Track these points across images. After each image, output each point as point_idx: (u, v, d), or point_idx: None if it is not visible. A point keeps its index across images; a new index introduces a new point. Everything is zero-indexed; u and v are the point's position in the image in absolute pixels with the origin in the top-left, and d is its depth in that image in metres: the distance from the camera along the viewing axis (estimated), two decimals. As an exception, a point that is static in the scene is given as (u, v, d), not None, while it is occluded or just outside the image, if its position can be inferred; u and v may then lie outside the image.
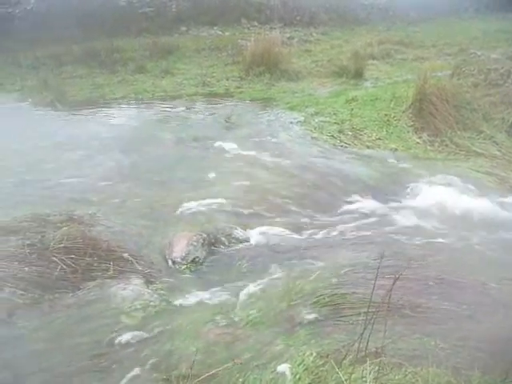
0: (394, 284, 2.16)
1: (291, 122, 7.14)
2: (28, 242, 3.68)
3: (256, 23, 14.20)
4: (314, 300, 3.24)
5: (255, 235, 4.15)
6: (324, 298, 3.24)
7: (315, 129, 6.85)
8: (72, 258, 3.56)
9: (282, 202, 4.77)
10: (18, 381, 2.70)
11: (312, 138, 6.59)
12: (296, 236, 4.19)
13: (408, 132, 6.51)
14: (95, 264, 3.59)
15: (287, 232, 4.22)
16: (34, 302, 3.24)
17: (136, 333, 3.02)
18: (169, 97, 8.51)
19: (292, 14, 15.05)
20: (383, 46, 11.83)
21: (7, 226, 3.96)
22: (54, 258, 3.53)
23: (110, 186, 5.10)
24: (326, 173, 5.47)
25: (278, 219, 4.46)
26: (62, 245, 3.62)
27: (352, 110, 7.26)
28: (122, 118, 7.41)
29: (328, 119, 7.11)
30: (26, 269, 3.45)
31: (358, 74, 9.38)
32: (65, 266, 3.49)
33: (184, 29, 13.35)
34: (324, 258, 3.79)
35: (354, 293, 3.28)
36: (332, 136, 6.59)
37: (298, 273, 3.62)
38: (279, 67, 9.64)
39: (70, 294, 3.35)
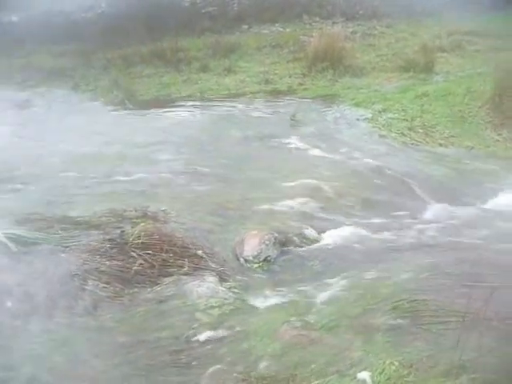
0: (491, 294, 2.03)
1: (358, 119, 6.98)
2: (108, 236, 3.84)
3: (318, 18, 13.99)
4: (392, 305, 3.13)
5: (327, 236, 4.08)
6: (403, 304, 3.11)
7: (383, 126, 6.65)
8: (149, 253, 3.66)
9: (352, 202, 4.67)
10: (103, 373, 2.82)
11: (380, 135, 6.40)
12: (370, 238, 4.07)
13: (486, 129, 6.15)
14: (171, 260, 3.67)
15: (360, 233, 4.11)
16: (115, 295, 3.36)
17: (213, 330, 3.06)
18: (232, 95, 8.59)
19: (354, 7, 14.70)
20: (453, 38, 11.24)
21: (89, 221, 4.16)
22: (133, 253, 3.65)
23: (180, 182, 5.22)
24: (397, 172, 5.29)
25: (349, 220, 4.37)
26: (140, 240, 3.74)
27: (422, 105, 6.97)
28: (188, 116, 7.58)
29: (396, 116, 6.87)
30: (108, 263, 3.59)
31: (427, 68, 8.97)
32: (143, 262, 3.60)
33: (245, 27, 13.41)
34: (400, 261, 3.66)
35: (434, 300, 3.13)
36: (401, 133, 6.37)
37: (374, 276, 3.52)
38: (343, 63, 9.44)
39: (149, 289, 3.45)
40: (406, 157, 5.74)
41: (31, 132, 7.00)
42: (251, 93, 8.62)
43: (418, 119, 6.64)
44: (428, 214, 4.47)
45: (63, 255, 3.69)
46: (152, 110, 7.94)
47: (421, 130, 6.39)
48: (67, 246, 3.80)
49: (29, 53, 11.26)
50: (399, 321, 3.01)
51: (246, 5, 14.02)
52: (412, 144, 6.10)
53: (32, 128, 7.21)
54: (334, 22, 13.55)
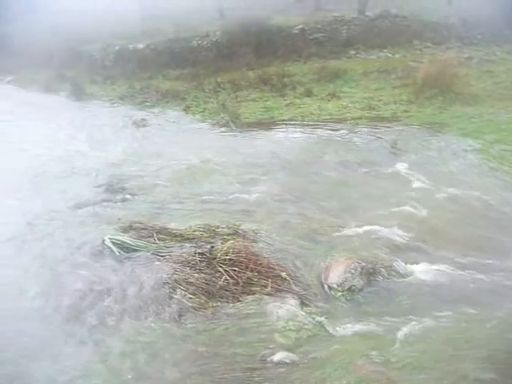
0: None
1: (465, 150, 6.55)
2: (199, 250, 4.04)
3: (430, 44, 13.48)
4: (486, 354, 2.85)
5: (418, 270, 3.86)
6: (499, 355, 2.83)
7: (494, 158, 6.15)
8: (235, 270, 3.78)
9: (450, 237, 4.37)
10: (179, 380, 2.95)
11: (490, 168, 5.93)
12: (466, 277, 3.77)
13: None
14: (255, 279, 3.75)
15: (455, 271, 3.83)
16: (200, 306, 3.52)
17: (288, 353, 3.05)
18: (334, 120, 8.58)
19: (472, 31, 13.90)
20: None
21: (183, 234, 4.42)
22: (220, 269, 3.80)
23: (273, 203, 5.32)
24: (505, 209, 4.84)
25: (444, 255, 4.09)
26: (228, 257, 3.88)
27: (543, 138, 6.33)
28: (288, 139, 7.73)
29: (511, 148, 6.32)
30: (196, 275, 3.79)
31: (552, 98, 8.15)
32: (228, 278, 3.73)
33: (353, 52, 13.39)
34: (500, 306, 3.33)
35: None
36: (515, 167, 5.83)
37: (467, 319, 3.24)
38: (454, 90, 8.94)
39: (231, 305, 3.55)
40: (518, 193, 5.24)
41: (143, 148, 7.67)
42: (353, 118, 8.53)
43: (537, 153, 6.03)
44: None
45: (157, 263, 3.98)
46: (254, 133, 8.24)
47: (539, 165, 5.79)
48: (162, 256, 4.08)
49: (149, 76, 12.42)
50: (492, 373, 2.73)
51: (355, 31, 14.01)
52: (527, 179, 5.55)
53: (144, 145, 7.90)
54: (447, 48, 12.96)
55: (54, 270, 4.12)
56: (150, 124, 9.19)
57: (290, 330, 3.25)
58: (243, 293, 3.66)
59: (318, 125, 8.39)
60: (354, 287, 3.73)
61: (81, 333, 3.39)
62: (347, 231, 4.59)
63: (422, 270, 3.86)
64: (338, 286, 3.76)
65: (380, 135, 7.47)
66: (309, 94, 10.27)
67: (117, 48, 13.66)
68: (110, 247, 4.23)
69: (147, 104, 10.62)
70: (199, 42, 13.14)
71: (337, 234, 4.58)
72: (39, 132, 8.94)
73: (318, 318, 3.40)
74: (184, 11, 15.44)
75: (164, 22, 14.71)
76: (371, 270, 3.87)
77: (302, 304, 3.57)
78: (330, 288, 3.78)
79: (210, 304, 3.54)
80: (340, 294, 3.71)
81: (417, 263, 3.95)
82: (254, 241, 4.36)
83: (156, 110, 10.17)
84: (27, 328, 3.46)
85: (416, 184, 5.61)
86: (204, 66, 12.37)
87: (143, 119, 9.40)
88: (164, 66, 12.80)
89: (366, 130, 7.86)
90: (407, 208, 4.98)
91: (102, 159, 7.18)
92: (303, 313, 3.45)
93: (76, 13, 16.76)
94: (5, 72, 15.07)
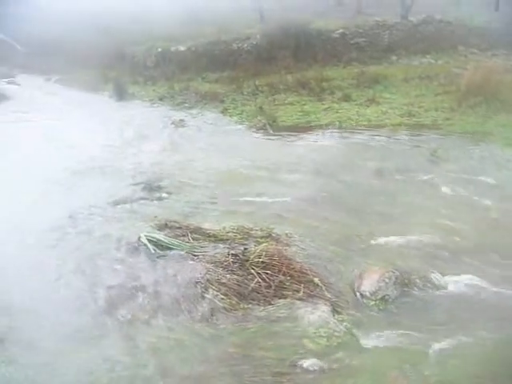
0: None
1: (509, 161, 6.32)
2: (232, 251, 4.07)
3: (475, 50, 13.08)
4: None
5: (455, 283, 3.75)
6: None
7: (540, 170, 5.90)
8: (267, 273, 3.79)
9: (489, 251, 4.22)
10: (208, 379, 2.98)
11: (535, 180, 5.69)
12: (504, 292, 3.63)
13: None
14: (287, 283, 3.75)
15: (494, 286, 3.69)
16: (231, 307, 3.55)
17: (318, 360, 3.03)
18: (372, 126, 8.46)
19: (521, 38, 13.41)
20: None
21: (217, 234, 4.47)
22: (252, 271, 3.82)
23: (307, 208, 5.30)
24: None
25: (483, 269, 3.95)
26: (261, 259, 3.89)
27: None
28: (325, 144, 7.68)
29: (559, 160, 6.06)
30: (228, 276, 3.82)
31: None
32: (260, 280, 3.74)
33: (394, 58, 13.16)
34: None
35: None
36: None
37: (504, 336, 3.12)
38: (499, 98, 8.63)
39: (262, 308, 3.56)
40: None
41: (181, 148, 7.80)
42: (392, 125, 8.39)
43: None
44: None
45: (191, 262, 4.04)
46: (291, 136, 8.23)
47: None
48: (196, 255, 4.14)
49: (189, 78, 12.61)
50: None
51: (397, 36, 13.77)
52: None
53: (182, 145, 8.03)
54: (493, 54, 12.54)
55: (92, 263, 4.25)
56: (188, 125, 9.33)
57: (320, 336, 3.22)
58: (275, 296, 3.66)
59: (355, 130, 8.30)
60: (387, 297, 3.66)
61: (114, 326, 3.48)
62: (381, 239, 4.52)
63: (459, 283, 3.75)
64: (371, 294, 3.70)
65: (419, 143, 7.32)
66: (347, 99, 10.16)
67: (159, 50, 13.95)
68: (145, 244, 4.32)
69: (186, 105, 10.79)
70: (239, 44, 13.24)
71: (371, 241, 4.51)
72: (81, 130, 9.24)
73: (350, 326, 3.36)
74: (226, 14, 15.63)
75: (206, 25, 14.93)
76: (406, 281, 3.80)
77: (334, 311, 3.54)
78: (363, 296, 3.72)
79: (242, 306, 3.56)
80: (373, 302, 3.65)
81: (454, 275, 3.84)
82: (287, 244, 4.36)
83: (194, 111, 10.32)
84: (63, 317, 3.58)
85: (455, 194, 5.45)
86: (243, 69, 12.45)
87: (182, 120, 9.55)
88: (204, 68, 12.97)
89: (404, 137, 7.72)
90: (445, 218, 4.85)
91: (140, 158, 7.35)
92: (334, 320, 3.41)
93: (123, 15, 17.30)
94: (53, 72, 15.68)
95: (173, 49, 13.70)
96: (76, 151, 7.78)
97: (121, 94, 12.09)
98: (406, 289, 3.73)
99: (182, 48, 13.59)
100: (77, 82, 14.24)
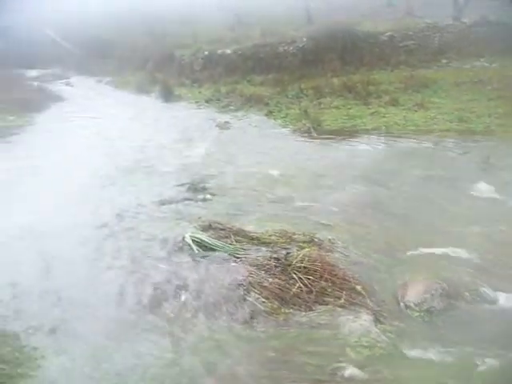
0: None
1: None
2: (275, 255, 4.08)
3: (535, 53, 12.47)
4: None
5: (507, 298, 3.59)
6: None
7: None
8: (309, 279, 3.77)
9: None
10: (249, 381, 3.00)
11: None
12: None
13: None
14: (329, 289, 3.72)
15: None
16: (272, 311, 3.56)
17: (359, 370, 2.98)
18: (420, 131, 8.24)
19: None
20: None
21: (260, 237, 4.50)
22: (294, 276, 3.81)
23: (351, 214, 5.23)
24: None
25: (538, 285, 3.76)
26: (303, 264, 3.88)
27: None
28: (370, 149, 7.56)
29: None
30: (270, 279, 3.83)
31: None
32: (302, 285, 3.73)
33: (444, 61, 12.76)
34: None
35: None
36: None
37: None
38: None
39: (303, 313, 3.55)
40: None
41: (225, 150, 7.90)
42: (441, 131, 8.14)
43: None
44: None
45: (233, 264, 4.08)
46: (336, 141, 8.15)
47: None
48: (238, 257, 4.18)
49: (235, 81, 12.74)
50: None
51: (448, 38, 13.33)
52: None
53: (226, 147, 8.13)
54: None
55: (138, 261, 4.38)
56: (233, 127, 9.44)
57: (362, 345, 3.18)
58: (316, 302, 3.64)
59: (402, 135, 8.12)
60: (432, 309, 3.56)
61: (158, 323, 3.58)
62: (427, 249, 4.39)
63: (511, 299, 3.58)
64: (415, 305, 3.60)
65: (469, 150, 7.07)
66: (394, 103, 9.95)
67: (206, 53, 14.17)
68: (189, 244, 4.41)
69: (231, 107, 10.92)
70: (285, 47, 13.24)
71: (415, 251, 4.39)
72: (128, 130, 9.56)
73: (393, 337, 3.29)
74: (272, 17, 15.70)
75: (252, 28, 15.05)
76: (453, 293, 3.67)
77: (376, 320, 3.48)
78: (407, 307, 3.63)
79: (283, 310, 3.57)
80: (417, 314, 3.55)
81: (505, 291, 3.67)
82: (330, 250, 4.33)
83: (239, 113, 10.42)
84: (110, 312, 3.71)
85: (508, 205, 5.22)
86: (288, 72, 12.44)
87: (226, 122, 9.67)
88: (249, 71, 13.06)
89: (454, 143, 7.47)
90: (496, 231, 4.65)
91: (185, 159, 7.51)
92: (377, 329, 3.35)
93: (173, 17, 17.77)
94: (104, 74, 16.31)
95: (219, 52, 13.88)
96: (124, 150, 8.06)
97: (167, 96, 12.39)
98: (453, 302, 3.61)
99: (228, 51, 13.75)
100: (126, 83, 14.74)
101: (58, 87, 15.06)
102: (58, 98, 13.16)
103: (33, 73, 17.46)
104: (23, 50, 18.08)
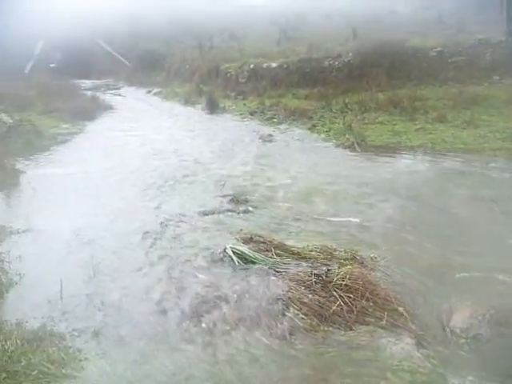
0: None
1: None
2: (315, 271, 4.04)
3: None
4: None
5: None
6: None
7: None
8: (350, 297, 3.70)
9: None
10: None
11: None
12: None
13: None
14: (370, 309, 3.64)
15: None
16: (311, 328, 3.51)
17: (400, 396, 2.89)
18: (468, 149, 8.00)
19: None
20: None
21: (300, 252, 4.47)
22: (335, 293, 3.75)
23: (394, 233, 5.13)
24: None
25: None
26: (344, 282, 3.82)
27: None
28: (416, 166, 7.40)
29: None
30: (310, 296, 3.79)
31: None
32: (342, 303, 3.67)
33: (497, 78, 12.33)
34: None
35: None
36: None
37: None
38: None
39: (343, 332, 3.48)
40: None
41: (268, 163, 7.94)
42: (491, 149, 7.86)
43: None
44: None
45: (273, 278, 4.07)
46: (380, 157, 8.04)
47: None
48: (278, 271, 4.17)
49: (279, 94, 12.84)
50: None
51: (501, 54, 12.90)
52: None
53: (269, 160, 8.17)
54: None
55: (179, 270, 4.45)
56: (276, 140, 9.49)
57: (403, 370, 3.08)
58: (356, 321, 3.56)
59: (449, 153, 7.91)
60: (480, 336, 3.41)
61: (196, 334, 3.59)
62: (474, 273, 4.22)
63: None
64: (461, 331, 3.46)
65: (524, 171, 6.78)
66: (442, 119, 9.70)
67: (251, 66, 14.37)
68: (230, 256, 4.44)
69: (275, 120, 10.99)
70: (330, 62, 13.22)
71: (462, 274, 4.23)
72: (174, 140, 9.80)
73: (436, 364, 3.17)
74: (318, 32, 15.74)
75: (299, 43, 15.15)
76: (503, 321, 3.50)
77: (419, 344, 3.36)
78: (452, 332, 3.50)
79: (322, 328, 3.52)
80: (463, 340, 3.41)
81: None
82: (372, 269, 4.24)
83: (283, 126, 10.48)
84: (151, 319, 3.77)
85: None
86: (333, 86, 12.41)
87: (270, 135, 9.74)
88: (294, 84, 13.12)
89: (506, 163, 7.19)
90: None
91: (228, 170, 7.61)
92: (419, 355, 3.24)
93: (223, 33, 18.18)
94: (153, 85, 16.89)
95: (265, 65, 14.05)
96: (173, 160, 8.27)
97: (212, 108, 12.65)
98: (502, 330, 3.44)
99: (273, 65, 13.88)
100: (174, 94, 15.18)
101: (109, 97, 15.70)
102: (109, 108, 13.72)
103: (87, 83, 18.31)
104: (81, 60, 19.02)
